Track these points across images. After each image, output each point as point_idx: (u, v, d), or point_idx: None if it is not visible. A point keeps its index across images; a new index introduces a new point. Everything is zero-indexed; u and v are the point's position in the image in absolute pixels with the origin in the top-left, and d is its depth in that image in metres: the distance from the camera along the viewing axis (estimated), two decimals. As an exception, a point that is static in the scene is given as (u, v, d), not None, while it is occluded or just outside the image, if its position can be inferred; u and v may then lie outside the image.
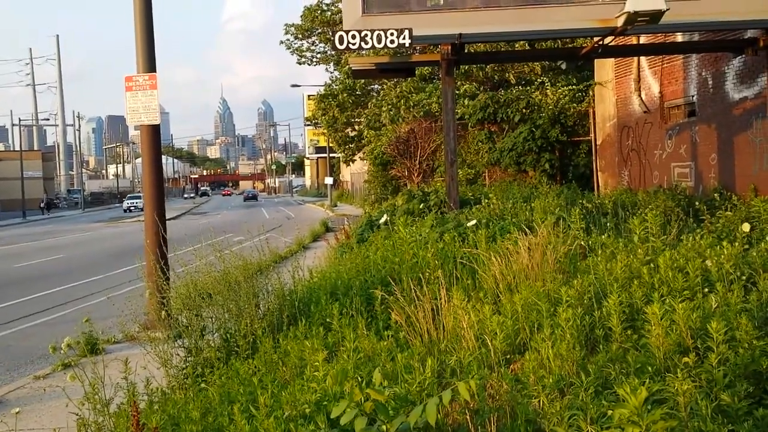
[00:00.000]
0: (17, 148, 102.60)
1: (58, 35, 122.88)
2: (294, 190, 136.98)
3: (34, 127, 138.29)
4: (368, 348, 6.28)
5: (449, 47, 16.46)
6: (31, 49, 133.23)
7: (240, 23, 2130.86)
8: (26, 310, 16.28)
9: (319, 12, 45.72)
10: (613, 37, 16.50)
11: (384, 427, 3.72)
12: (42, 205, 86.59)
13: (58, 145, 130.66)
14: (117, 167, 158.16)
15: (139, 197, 78.57)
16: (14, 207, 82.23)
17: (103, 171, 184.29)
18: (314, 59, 48.07)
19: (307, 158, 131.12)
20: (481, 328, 6.11)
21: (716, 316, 5.35)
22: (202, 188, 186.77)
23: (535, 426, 4.19)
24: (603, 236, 9.55)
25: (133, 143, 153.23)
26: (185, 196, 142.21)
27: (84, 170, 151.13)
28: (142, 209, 71.64)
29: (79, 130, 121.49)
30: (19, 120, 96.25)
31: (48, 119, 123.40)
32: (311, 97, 62.32)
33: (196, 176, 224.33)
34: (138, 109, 13.01)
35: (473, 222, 11.92)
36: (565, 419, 3.98)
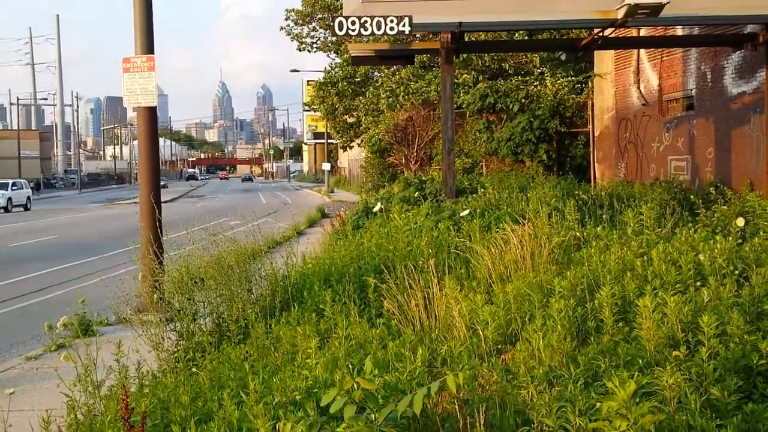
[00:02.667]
0: (15, 127, 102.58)
1: (57, 15, 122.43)
2: (291, 175, 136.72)
3: (32, 107, 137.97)
4: (360, 335, 6.28)
5: (449, 35, 16.42)
6: (30, 28, 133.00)
7: (240, 8, 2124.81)
8: (19, 290, 16.27)
9: (320, -4, 45.54)
10: (614, 29, 16.48)
11: (373, 415, 3.73)
12: (31, 185, 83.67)
13: (56, 125, 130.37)
14: (115, 148, 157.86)
15: (5, 186, 50.36)
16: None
17: (101, 152, 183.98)
18: (314, 45, 47.90)
19: (306, 144, 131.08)
20: (473, 317, 6.11)
21: (708, 310, 5.36)
22: (189, 171, 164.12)
23: (524, 417, 4.20)
24: (598, 228, 9.55)
25: (131, 125, 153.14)
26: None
27: (81, 151, 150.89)
28: (5, 208, 42.85)
29: (77, 111, 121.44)
30: (17, 99, 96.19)
31: (46, 99, 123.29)
32: (311, 82, 62.24)
33: (194, 159, 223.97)
34: (135, 91, 12.96)
35: (466, 212, 11.91)
36: (554, 411, 3.98)
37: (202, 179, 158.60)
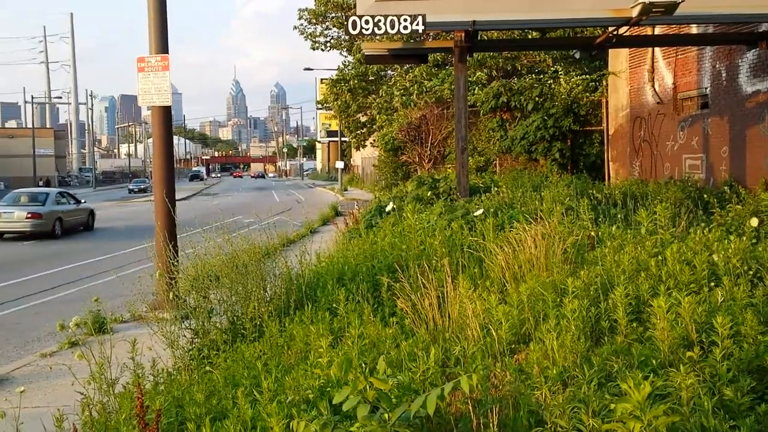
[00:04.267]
0: (30, 125, 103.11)
1: (72, 13, 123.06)
2: (305, 173, 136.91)
3: (47, 105, 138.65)
4: (373, 334, 6.29)
5: (462, 34, 16.42)
6: (45, 26, 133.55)
7: (255, 6, 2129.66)
8: (35, 287, 16.37)
9: (333, -5, 45.59)
10: (628, 27, 16.43)
11: (386, 415, 3.74)
12: (40, 183, 78.54)
13: (71, 124, 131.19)
14: (129, 147, 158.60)
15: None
16: (26, 184, 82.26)
17: (116, 150, 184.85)
18: (327, 44, 47.94)
19: (319, 142, 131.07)
20: (487, 317, 6.11)
21: (722, 311, 5.35)
22: (193, 170, 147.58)
23: (538, 417, 4.20)
24: (612, 227, 9.53)
25: (146, 123, 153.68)
26: (131, 187, 77.58)
27: (96, 149, 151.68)
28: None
29: (91, 109, 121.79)
30: (32, 97, 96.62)
31: (61, 97, 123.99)
32: (324, 80, 62.27)
33: (208, 157, 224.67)
34: (150, 90, 13.02)
35: (480, 211, 11.90)
36: (568, 411, 3.98)
37: (214, 177, 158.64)
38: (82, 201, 31.82)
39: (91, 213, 31.83)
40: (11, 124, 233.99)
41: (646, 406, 3.42)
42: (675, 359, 4.84)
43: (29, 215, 27.66)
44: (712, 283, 6.54)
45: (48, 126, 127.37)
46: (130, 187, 77.59)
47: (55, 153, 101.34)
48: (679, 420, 3.79)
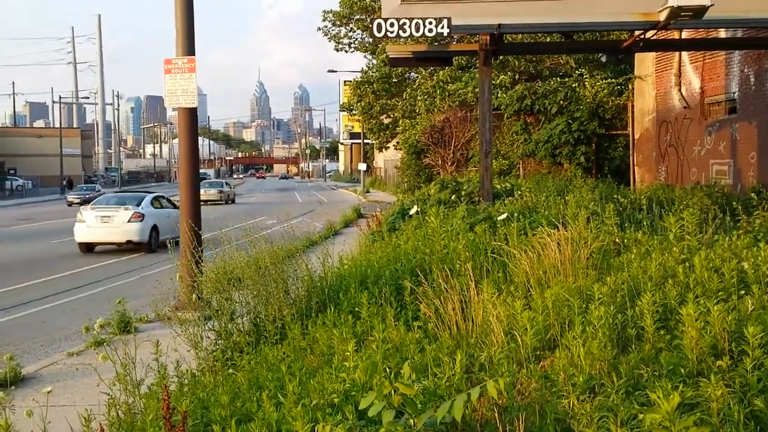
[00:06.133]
0: (57, 125, 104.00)
1: (99, 14, 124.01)
2: (327, 174, 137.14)
3: (74, 105, 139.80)
4: (396, 339, 6.26)
5: (488, 37, 16.34)
6: (72, 27, 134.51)
7: (280, 7, 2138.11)
8: (62, 286, 16.50)
9: (358, -2, 45.70)
10: (655, 31, 16.30)
11: (411, 420, 3.71)
12: (64, 183, 79.21)
13: (97, 124, 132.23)
14: (154, 147, 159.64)
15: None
16: (53, 183, 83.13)
17: (141, 150, 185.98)
18: (351, 46, 48.07)
19: (342, 144, 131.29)
20: (511, 322, 6.06)
21: (752, 320, 5.27)
22: (202, 172, 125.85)
23: (565, 425, 4.15)
24: (638, 233, 9.43)
25: (171, 123, 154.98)
26: (72, 199, 56.98)
27: (122, 149, 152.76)
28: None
29: (117, 109, 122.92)
30: (60, 97, 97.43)
31: (88, 98, 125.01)
32: (347, 82, 62.46)
33: (232, 158, 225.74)
34: (176, 92, 13.08)
35: (504, 215, 11.82)
36: (595, 420, 3.94)
37: (237, 178, 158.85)
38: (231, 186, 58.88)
39: (234, 194, 60.08)
40: (39, 123, 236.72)
41: (675, 416, 3.37)
42: (704, 368, 4.78)
43: (219, 191, 55.74)
44: (742, 291, 6.45)
45: (75, 126, 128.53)
46: (70, 199, 57.48)
47: (81, 153, 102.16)
48: (710, 431, 3.73)
